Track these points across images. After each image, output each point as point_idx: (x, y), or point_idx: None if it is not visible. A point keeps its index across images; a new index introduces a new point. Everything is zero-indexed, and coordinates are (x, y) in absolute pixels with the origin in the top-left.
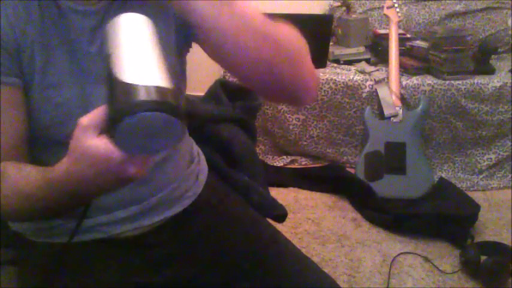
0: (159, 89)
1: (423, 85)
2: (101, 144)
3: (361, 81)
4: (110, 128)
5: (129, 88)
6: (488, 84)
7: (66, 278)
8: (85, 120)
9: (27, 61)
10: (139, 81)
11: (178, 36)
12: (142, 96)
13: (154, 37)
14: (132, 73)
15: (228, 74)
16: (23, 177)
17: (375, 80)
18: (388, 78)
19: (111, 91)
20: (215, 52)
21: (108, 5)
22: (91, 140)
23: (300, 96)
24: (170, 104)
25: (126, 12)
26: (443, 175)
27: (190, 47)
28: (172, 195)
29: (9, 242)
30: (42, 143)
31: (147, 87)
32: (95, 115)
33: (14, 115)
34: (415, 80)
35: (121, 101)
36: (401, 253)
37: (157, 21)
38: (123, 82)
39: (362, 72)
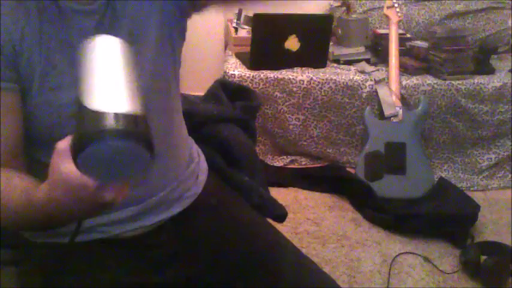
0: (124, 116)
1: (423, 85)
2: (74, 170)
3: (361, 81)
4: (73, 154)
5: (93, 115)
6: (488, 84)
7: (66, 278)
8: (62, 144)
9: (26, 65)
10: (103, 108)
11: (171, 24)
12: (106, 123)
13: (126, 61)
14: (97, 100)
15: (228, 74)
16: (11, 189)
17: (375, 80)
18: (388, 78)
19: (77, 117)
20: None
21: (109, 4)
22: (67, 165)
23: None
24: (135, 131)
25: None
26: (443, 175)
27: (184, 39)
28: (172, 195)
29: (9, 242)
30: (42, 144)
31: (110, 114)
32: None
33: (11, 120)
34: (415, 80)
35: (85, 128)
36: (401, 253)
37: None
38: (87, 109)
39: (362, 72)
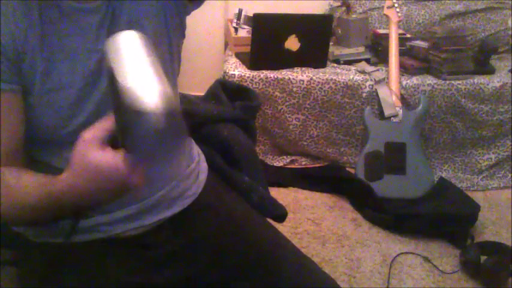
0: (162, 93)
1: (423, 85)
2: (107, 158)
3: (361, 81)
4: (122, 135)
5: (136, 95)
6: (488, 84)
7: (66, 278)
8: (88, 134)
9: (28, 66)
10: (143, 87)
11: (171, 22)
12: (149, 100)
13: (150, 49)
14: (135, 81)
15: (228, 74)
16: (22, 187)
17: (374, 80)
18: (388, 78)
19: (117, 100)
20: None
21: (110, 1)
22: (96, 153)
23: None
24: (173, 104)
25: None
26: (443, 175)
27: (184, 37)
28: (172, 195)
29: (9, 242)
30: (44, 144)
31: (151, 92)
32: (98, 128)
33: (13, 121)
34: (415, 80)
35: (130, 107)
36: (401, 253)
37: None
38: (129, 89)
39: (362, 72)
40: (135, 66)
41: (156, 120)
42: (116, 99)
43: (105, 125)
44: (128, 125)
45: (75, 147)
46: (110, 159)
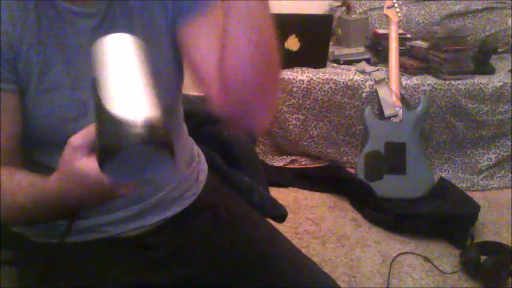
0: (147, 121)
1: (423, 85)
2: (91, 167)
3: (361, 81)
4: (98, 159)
5: (117, 121)
6: (488, 84)
7: (66, 278)
8: (76, 140)
9: (24, 66)
10: (126, 113)
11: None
12: (131, 129)
13: (141, 59)
14: (120, 104)
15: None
16: (14, 185)
17: (374, 80)
18: (388, 78)
19: (99, 121)
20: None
21: (108, 6)
22: (82, 160)
23: (255, 126)
24: (158, 135)
25: (121, 22)
26: (443, 175)
27: None
28: (172, 195)
29: (9, 242)
30: (39, 145)
31: (134, 121)
32: (86, 135)
33: (9, 120)
34: (415, 80)
35: (110, 135)
36: (401, 253)
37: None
38: (111, 114)
39: (362, 72)
40: (120, 72)
41: (135, 132)
42: (97, 107)
43: (92, 131)
44: (107, 151)
45: (63, 152)
46: (94, 169)
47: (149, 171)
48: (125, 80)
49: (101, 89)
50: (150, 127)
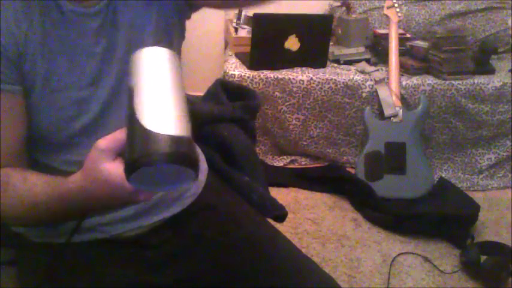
0: (177, 140)
1: (423, 85)
2: (116, 172)
3: (361, 81)
4: (126, 168)
5: (148, 136)
6: (488, 84)
7: (66, 278)
8: (102, 143)
9: (29, 67)
10: (158, 129)
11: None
12: (161, 147)
13: (176, 74)
14: (152, 120)
15: (228, 74)
16: (29, 187)
17: (375, 80)
18: (388, 78)
19: (130, 130)
20: None
21: (109, 4)
22: (107, 164)
23: None
24: (186, 155)
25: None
26: (443, 175)
27: (184, 38)
28: (172, 195)
29: (9, 242)
30: (43, 145)
31: (165, 138)
32: (113, 140)
33: (14, 122)
34: (415, 80)
35: (139, 149)
36: (401, 253)
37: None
38: (143, 127)
39: (362, 72)
40: (156, 86)
41: (163, 150)
42: (130, 117)
43: (120, 136)
44: (134, 164)
45: (90, 153)
46: (118, 175)
47: (172, 185)
48: (160, 94)
49: (136, 100)
50: (180, 145)
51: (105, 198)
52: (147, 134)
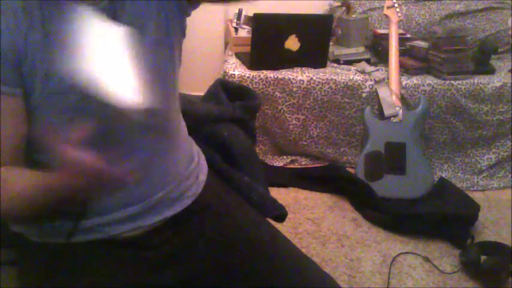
0: (139, 88)
1: (423, 85)
2: (90, 157)
3: (361, 81)
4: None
5: (111, 90)
6: (488, 84)
7: (66, 278)
8: (73, 134)
9: (29, 69)
10: (119, 82)
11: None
12: (125, 95)
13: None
14: (111, 76)
15: (228, 74)
16: (18, 180)
17: (375, 80)
18: (388, 78)
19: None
20: None
21: (110, 3)
22: (78, 153)
23: None
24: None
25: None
26: (443, 175)
27: (184, 36)
28: (172, 195)
29: (9, 242)
30: (41, 146)
31: (127, 87)
32: (81, 129)
33: (14, 123)
34: (415, 80)
35: (106, 103)
36: (401, 253)
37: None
38: (104, 85)
39: (362, 72)
40: (112, 61)
41: (133, 115)
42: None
43: (87, 125)
44: (106, 121)
45: (61, 145)
46: (92, 159)
47: (151, 150)
48: (115, 67)
49: (88, 73)
50: (148, 110)
51: (87, 185)
52: (114, 102)
